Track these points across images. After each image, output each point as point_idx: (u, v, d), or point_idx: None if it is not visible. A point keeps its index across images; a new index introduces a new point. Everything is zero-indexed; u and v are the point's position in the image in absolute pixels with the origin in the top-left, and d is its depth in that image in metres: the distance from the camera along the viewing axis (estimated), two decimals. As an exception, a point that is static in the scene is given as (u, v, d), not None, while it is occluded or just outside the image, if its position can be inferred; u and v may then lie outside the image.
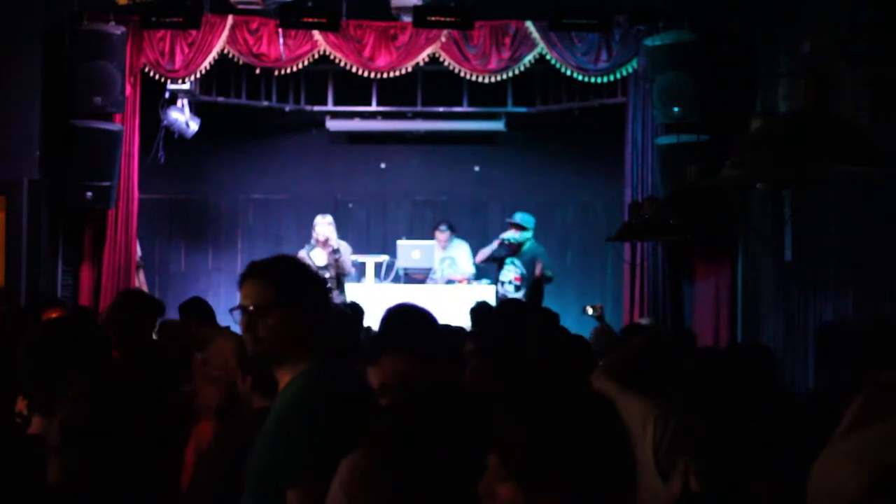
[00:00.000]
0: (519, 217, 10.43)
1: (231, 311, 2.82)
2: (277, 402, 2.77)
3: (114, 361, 3.63)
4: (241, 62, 10.18)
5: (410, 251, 10.75)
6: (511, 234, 10.38)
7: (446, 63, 10.14)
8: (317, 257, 10.00)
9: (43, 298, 6.84)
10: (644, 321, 9.17)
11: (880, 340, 3.61)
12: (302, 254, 10.09)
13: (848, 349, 3.93)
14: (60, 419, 2.64)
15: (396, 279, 10.78)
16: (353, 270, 10.35)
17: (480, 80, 10.25)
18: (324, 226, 10.11)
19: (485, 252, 10.59)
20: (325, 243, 10.03)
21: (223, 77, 10.84)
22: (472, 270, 10.94)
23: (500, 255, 10.45)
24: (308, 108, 11.46)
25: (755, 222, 8.97)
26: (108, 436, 2.61)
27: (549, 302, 10.06)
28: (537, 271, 10.28)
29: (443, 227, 11.09)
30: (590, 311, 8.37)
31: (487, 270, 10.89)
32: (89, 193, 9.48)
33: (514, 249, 10.38)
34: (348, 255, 10.19)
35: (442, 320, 4.01)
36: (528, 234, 10.36)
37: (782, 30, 8.61)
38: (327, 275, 9.81)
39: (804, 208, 7.84)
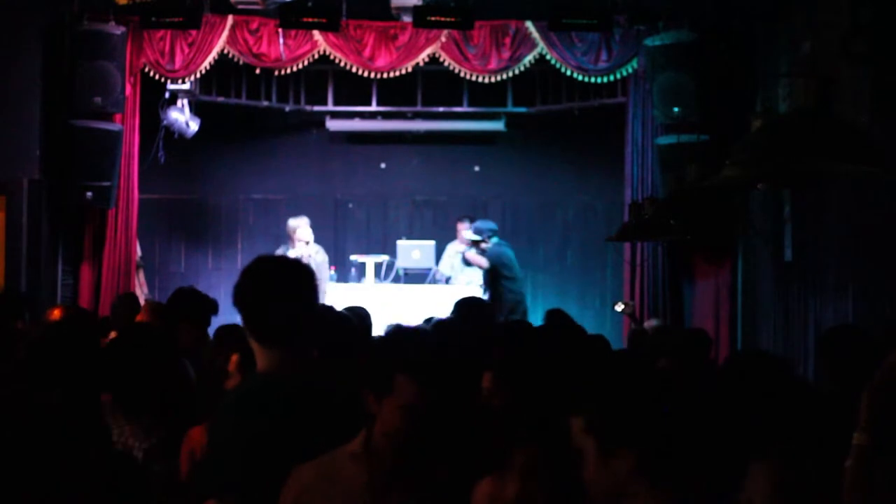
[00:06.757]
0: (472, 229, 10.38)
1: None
2: None
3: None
4: (241, 62, 10.18)
5: (410, 251, 10.75)
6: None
7: (446, 63, 10.13)
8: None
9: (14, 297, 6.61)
10: (654, 322, 9.05)
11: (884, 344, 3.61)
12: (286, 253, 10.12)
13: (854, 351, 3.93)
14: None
15: (396, 279, 10.77)
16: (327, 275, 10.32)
17: (480, 80, 10.24)
18: (305, 228, 10.36)
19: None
20: (308, 245, 10.30)
21: (223, 77, 10.83)
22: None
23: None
24: (308, 108, 11.45)
25: (755, 222, 8.96)
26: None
27: (550, 302, 10.07)
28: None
29: (466, 220, 10.93)
30: (620, 307, 8.32)
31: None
32: (89, 193, 9.48)
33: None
34: (324, 261, 10.30)
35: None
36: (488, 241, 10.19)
37: (782, 30, 8.60)
38: None
39: (804, 208, 7.84)
